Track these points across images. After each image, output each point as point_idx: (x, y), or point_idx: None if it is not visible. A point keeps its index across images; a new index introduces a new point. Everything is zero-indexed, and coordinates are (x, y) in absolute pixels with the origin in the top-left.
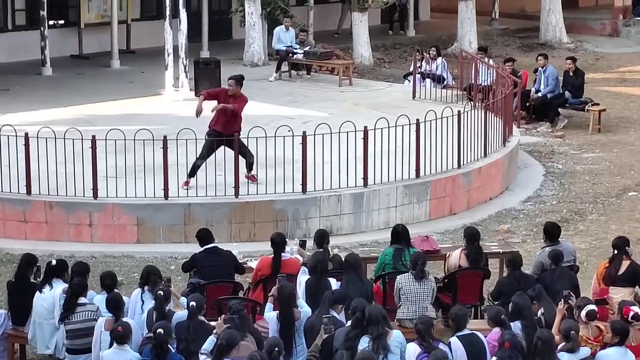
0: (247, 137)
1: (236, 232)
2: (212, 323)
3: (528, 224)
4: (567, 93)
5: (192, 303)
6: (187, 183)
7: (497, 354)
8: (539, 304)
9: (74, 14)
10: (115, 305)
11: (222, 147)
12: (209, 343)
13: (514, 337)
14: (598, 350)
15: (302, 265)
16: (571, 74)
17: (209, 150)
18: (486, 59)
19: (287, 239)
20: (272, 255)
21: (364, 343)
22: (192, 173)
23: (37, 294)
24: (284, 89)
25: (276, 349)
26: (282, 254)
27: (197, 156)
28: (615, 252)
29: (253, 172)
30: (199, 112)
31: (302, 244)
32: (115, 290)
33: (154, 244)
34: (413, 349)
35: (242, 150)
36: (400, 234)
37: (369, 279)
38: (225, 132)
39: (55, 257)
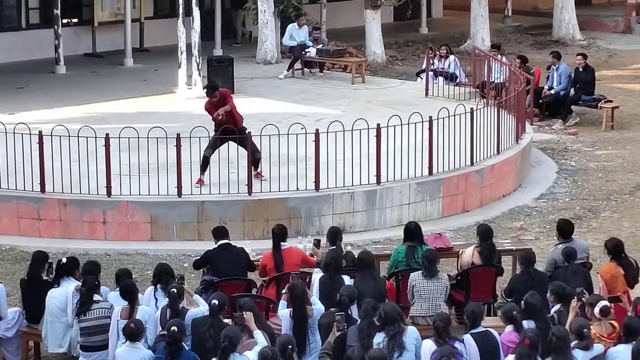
0: (260, 135)
1: (249, 230)
2: (226, 320)
3: (541, 221)
4: (572, 91)
5: (215, 301)
6: (200, 181)
7: (516, 350)
8: (557, 301)
9: (88, 12)
10: (129, 292)
11: (236, 145)
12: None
13: (537, 336)
14: (611, 347)
15: (316, 264)
16: (581, 69)
17: (217, 140)
18: (499, 56)
19: (287, 231)
20: (273, 248)
21: (379, 339)
22: (204, 167)
23: (49, 292)
24: (297, 86)
25: (289, 347)
26: (282, 243)
27: (205, 147)
28: (623, 255)
29: (259, 169)
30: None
31: (317, 243)
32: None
33: (168, 242)
34: (429, 346)
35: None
36: (413, 232)
37: (382, 276)
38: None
39: (69, 254)
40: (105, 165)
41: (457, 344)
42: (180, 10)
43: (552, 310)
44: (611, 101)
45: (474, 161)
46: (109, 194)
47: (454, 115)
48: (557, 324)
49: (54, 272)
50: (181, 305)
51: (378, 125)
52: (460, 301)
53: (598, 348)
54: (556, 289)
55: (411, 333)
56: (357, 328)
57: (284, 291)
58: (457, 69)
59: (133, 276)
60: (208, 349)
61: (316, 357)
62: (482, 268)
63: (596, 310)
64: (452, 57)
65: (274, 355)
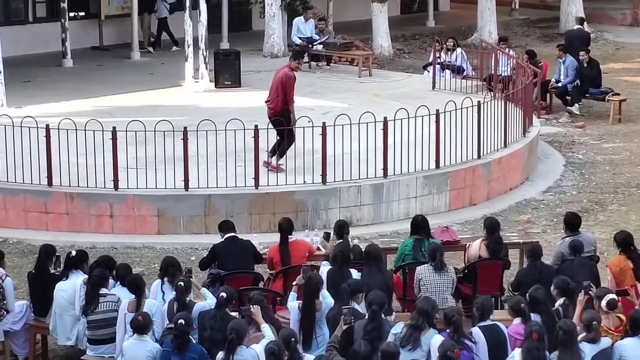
0: (267, 128)
1: (256, 223)
2: (234, 314)
3: (548, 214)
4: (578, 82)
5: (223, 294)
6: (278, 167)
7: (524, 344)
8: (560, 295)
9: (95, 5)
10: (136, 286)
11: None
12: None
13: (541, 328)
14: (618, 340)
15: (324, 257)
16: (585, 65)
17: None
18: (506, 49)
19: (294, 225)
20: (280, 241)
21: (397, 328)
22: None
23: (58, 285)
24: (304, 79)
25: (292, 339)
26: (289, 236)
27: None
28: (632, 248)
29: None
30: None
31: (327, 236)
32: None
33: (175, 235)
34: (440, 341)
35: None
36: (419, 225)
37: (389, 269)
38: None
39: (76, 248)
40: (112, 158)
41: (466, 341)
42: (187, 4)
43: (557, 304)
44: (618, 94)
45: (481, 154)
46: (115, 187)
47: (461, 109)
48: (562, 317)
49: (62, 265)
50: (188, 299)
51: (385, 118)
52: (467, 294)
53: (605, 341)
54: (559, 283)
55: (429, 336)
56: (362, 324)
57: (294, 282)
58: (464, 62)
59: (140, 269)
60: (212, 341)
61: (323, 351)
62: (489, 261)
63: (603, 303)
64: (459, 50)
65: (280, 350)
